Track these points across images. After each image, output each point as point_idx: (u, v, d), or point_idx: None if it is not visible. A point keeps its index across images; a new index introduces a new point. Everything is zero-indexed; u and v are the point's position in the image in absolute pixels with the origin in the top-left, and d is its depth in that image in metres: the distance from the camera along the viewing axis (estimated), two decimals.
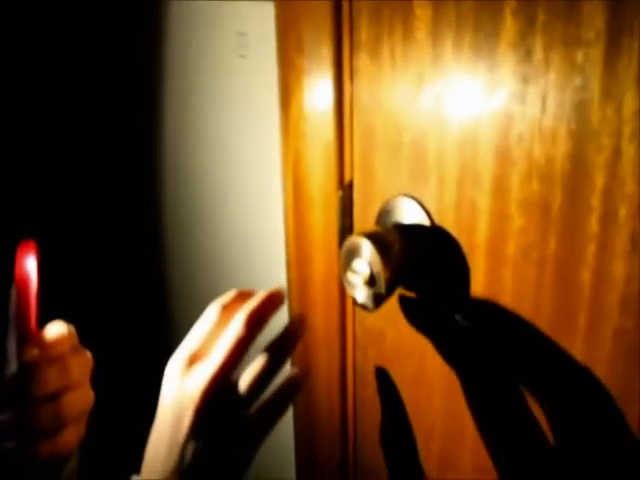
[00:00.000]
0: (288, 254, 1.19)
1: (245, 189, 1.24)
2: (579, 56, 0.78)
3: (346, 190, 1.07)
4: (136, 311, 1.41)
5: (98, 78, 1.39)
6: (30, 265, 0.58)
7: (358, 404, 1.18)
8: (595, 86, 0.78)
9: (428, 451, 1.08)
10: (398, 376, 1.09)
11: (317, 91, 1.07)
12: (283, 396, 0.61)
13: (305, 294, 1.17)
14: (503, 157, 0.88)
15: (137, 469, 1.37)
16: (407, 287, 0.91)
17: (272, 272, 1.22)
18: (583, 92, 0.79)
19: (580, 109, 0.80)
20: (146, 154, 1.39)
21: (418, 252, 0.89)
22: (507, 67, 0.85)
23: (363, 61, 1.01)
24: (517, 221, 0.88)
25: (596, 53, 0.78)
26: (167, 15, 1.30)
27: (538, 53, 0.82)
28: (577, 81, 0.79)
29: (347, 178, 1.07)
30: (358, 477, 1.21)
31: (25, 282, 0.58)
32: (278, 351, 0.57)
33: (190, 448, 0.53)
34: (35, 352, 0.61)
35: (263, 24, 1.14)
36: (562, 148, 0.82)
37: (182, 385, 0.55)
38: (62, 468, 0.66)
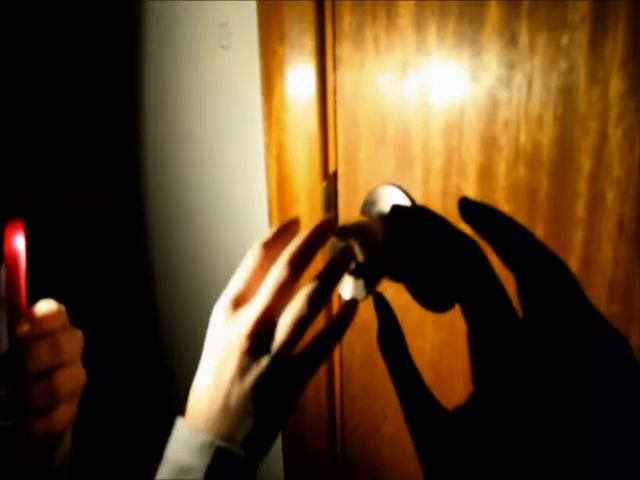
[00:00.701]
0: None
1: (228, 182, 1.22)
2: (564, 40, 0.78)
3: (330, 181, 1.05)
4: (121, 300, 1.39)
5: (79, 71, 1.37)
6: (19, 243, 0.58)
7: (345, 399, 1.17)
8: (581, 70, 0.78)
9: None
10: (385, 371, 1.08)
11: (300, 81, 1.05)
12: (327, 336, 0.59)
13: None
14: (489, 144, 0.87)
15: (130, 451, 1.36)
16: (394, 277, 0.89)
17: None
18: (569, 76, 0.78)
19: (566, 93, 0.79)
20: (128, 147, 1.37)
21: (404, 241, 0.88)
22: (492, 52, 0.84)
23: (346, 50, 1.00)
24: (504, 208, 0.87)
25: (581, 37, 0.77)
26: (148, 6, 1.28)
27: (523, 37, 0.81)
28: (563, 65, 0.78)
29: (331, 169, 1.06)
30: (346, 473, 1.20)
31: (15, 259, 0.58)
32: (321, 287, 0.55)
33: (235, 391, 0.52)
34: (26, 328, 0.61)
35: (245, 14, 1.12)
36: (548, 133, 0.81)
37: (227, 328, 0.54)
38: (56, 449, 0.65)
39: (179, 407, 1.42)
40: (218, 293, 1.34)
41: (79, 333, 0.66)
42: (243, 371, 0.53)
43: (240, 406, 0.52)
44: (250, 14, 1.11)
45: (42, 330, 0.61)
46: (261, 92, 1.12)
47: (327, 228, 0.59)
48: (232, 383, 0.53)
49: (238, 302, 0.55)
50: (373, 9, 0.96)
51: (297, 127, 1.07)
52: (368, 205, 0.99)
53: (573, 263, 0.83)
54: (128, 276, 1.45)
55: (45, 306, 0.62)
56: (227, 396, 0.53)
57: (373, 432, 1.12)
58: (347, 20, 0.99)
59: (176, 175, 1.31)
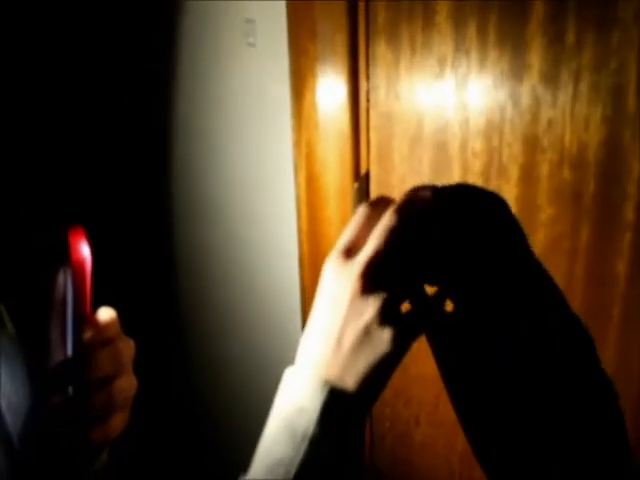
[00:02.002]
0: (301, 250, 1.14)
1: (255, 182, 1.20)
2: (615, 37, 0.75)
3: (362, 182, 1.03)
4: (147, 310, 1.37)
5: (107, 68, 1.34)
6: (85, 250, 0.57)
7: (375, 405, 1.15)
8: (632, 68, 0.75)
9: (451, 448, 1.05)
10: (419, 374, 1.06)
11: (332, 80, 1.03)
12: None
13: None
14: (531, 145, 0.84)
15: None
16: (430, 281, 0.87)
17: (285, 270, 1.17)
18: (619, 75, 0.76)
19: (615, 93, 0.76)
20: (155, 145, 1.34)
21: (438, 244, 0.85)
22: (536, 50, 0.82)
23: (380, 48, 0.97)
24: (547, 210, 0.85)
25: (633, 34, 0.74)
26: (174, 3, 1.25)
27: (570, 35, 0.79)
28: (612, 63, 0.76)
29: (363, 169, 1.03)
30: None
31: (82, 266, 0.57)
32: None
33: (348, 331, 0.51)
34: (91, 335, 0.60)
35: (272, 10, 1.09)
36: (596, 134, 0.79)
37: (339, 273, 0.53)
38: (97, 455, 0.65)
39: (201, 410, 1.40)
40: (246, 290, 1.32)
41: (132, 341, 0.65)
42: (356, 312, 0.51)
43: (353, 347, 0.51)
44: (278, 10, 1.09)
45: (104, 337, 0.61)
46: (290, 91, 1.09)
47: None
48: (345, 324, 0.51)
49: (349, 251, 0.54)
50: (409, 7, 0.93)
51: (328, 126, 1.05)
52: None
53: (620, 267, 0.81)
54: (157, 275, 1.43)
55: (106, 313, 0.61)
56: (340, 337, 0.51)
57: (404, 438, 1.10)
58: (382, 18, 0.96)
59: (203, 174, 1.29)
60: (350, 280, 0.51)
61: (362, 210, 0.56)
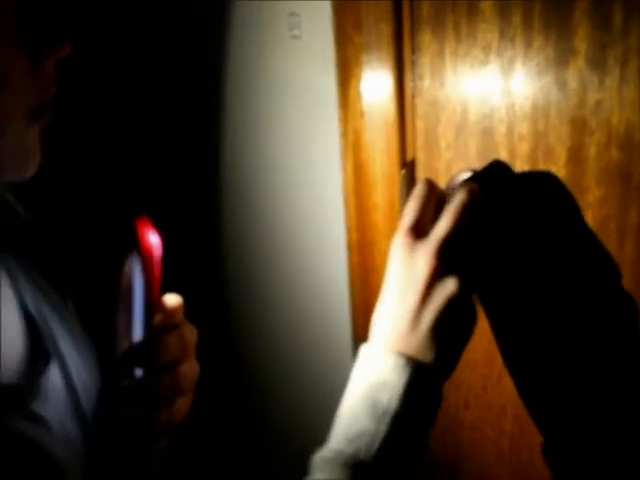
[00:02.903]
0: (349, 238, 1.17)
1: (303, 171, 1.22)
2: None
3: (409, 169, 1.05)
4: (194, 300, 1.40)
5: (158, 64, 1.38)
6: (154, 238, 0.60)
7: None
8: None
9: (500, 430, 1.06)
10: (468, 359, 1.07)
11: (377, 69, 1.05)
12: None
13: (368, 281, 1.15)
14: (579, 127, 0.86)
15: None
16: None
17: (332, 258, 1.20)
18: None
19: None
20: (206, 137, 1.37)
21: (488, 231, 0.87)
22: (582, 35, 0.83)
23: (425, 36, 0.99)
24: (595, 192, 0.86)
25: None
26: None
27: (617, 19, 0.80)
28: None
29: (410, 156, 1.05)
30: (426, 461, 1.20)
31: (151, 254, 0.60)
32: None
33: (426, 310, 0.52)
34: (162, 319, 0.63)
35: (315, 2, 1.11)
36: None
37: (412, 252, 0.54)
38: (160, 439, 0.67)
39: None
40: (294, 277, 1.35)
41: (194, 327, 0.67)
42: (434, 289, 0.52)
43: (433, 324, 0.52)
44: (321, 2, 1.11)
45: (172, 322, 0.63)
46: (336, 81, 1.11)
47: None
48: (422, 302, 0.52)
49: (417, 229, 0.55)
50: None
51: (374, 115, 1.07)
52: (450, 192, 0.98)
53: None
54: (206, 263, 1.46)
55: (174, 299, 0.64)
56: (419, 314, 0.53)
57: (454, 420, 1.12)
58: (426, 6, 0.98)
59: (251, 165, 1.32)
60: (425, 258, 0.53)
61: (420, 190, 0.57)
